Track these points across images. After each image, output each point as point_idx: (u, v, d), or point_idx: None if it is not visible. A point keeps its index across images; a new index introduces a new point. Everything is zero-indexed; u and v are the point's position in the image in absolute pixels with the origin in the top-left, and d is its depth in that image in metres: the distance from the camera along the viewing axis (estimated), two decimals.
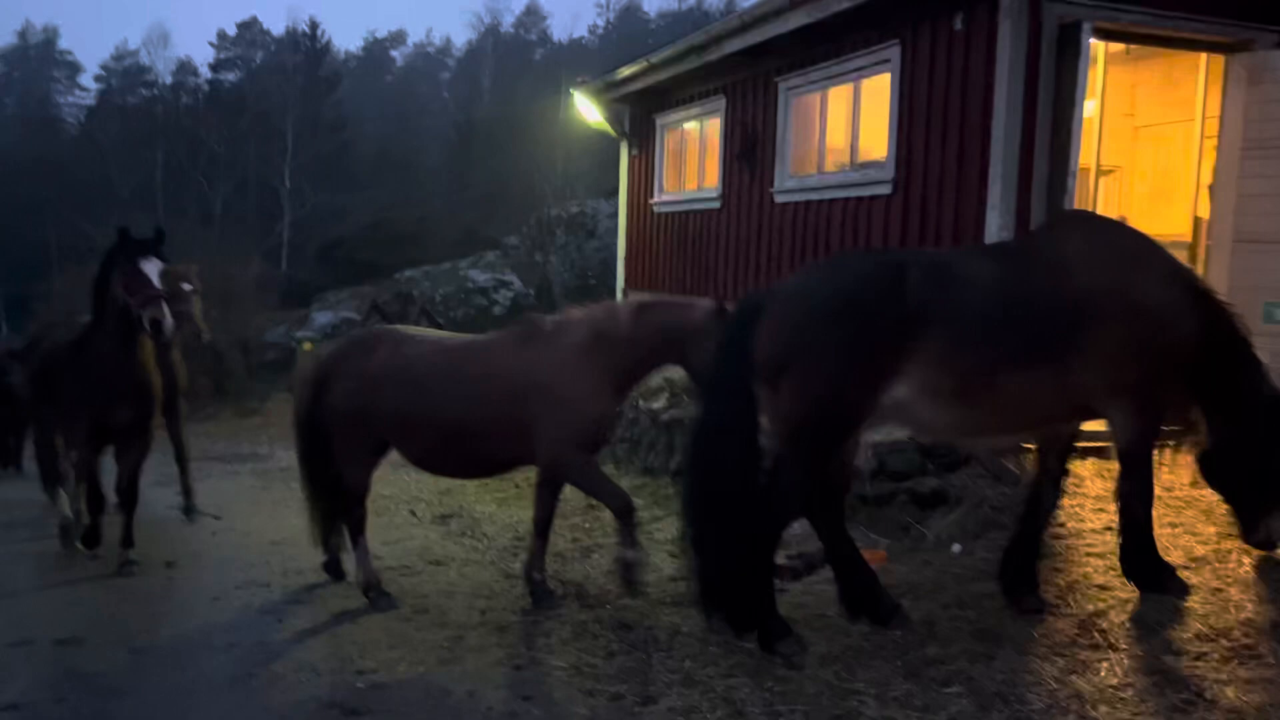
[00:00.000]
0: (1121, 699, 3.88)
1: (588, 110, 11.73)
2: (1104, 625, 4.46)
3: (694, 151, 10.64)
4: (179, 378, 7.66)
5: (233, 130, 43.20)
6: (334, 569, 6.01)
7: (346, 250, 27.35)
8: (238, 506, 7.53)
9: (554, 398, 5.26)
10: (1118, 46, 7.40)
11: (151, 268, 5.84)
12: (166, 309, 5.77)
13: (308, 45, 49.23)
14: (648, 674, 4.43)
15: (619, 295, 11.72)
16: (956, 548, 5.52)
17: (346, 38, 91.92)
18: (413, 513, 7.95)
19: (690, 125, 10.67)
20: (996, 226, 6.28)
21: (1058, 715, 3.81)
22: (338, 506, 5.78)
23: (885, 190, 7.46)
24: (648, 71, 10.30)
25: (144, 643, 4.97)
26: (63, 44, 67.52)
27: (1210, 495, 5.25)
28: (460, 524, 7.56)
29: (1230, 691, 3.83)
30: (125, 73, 59.33)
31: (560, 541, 6.82)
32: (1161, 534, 5.13)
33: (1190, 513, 5.59)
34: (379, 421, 5.52)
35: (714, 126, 10.02)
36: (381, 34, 69.58)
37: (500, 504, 8.16)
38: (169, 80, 54.45)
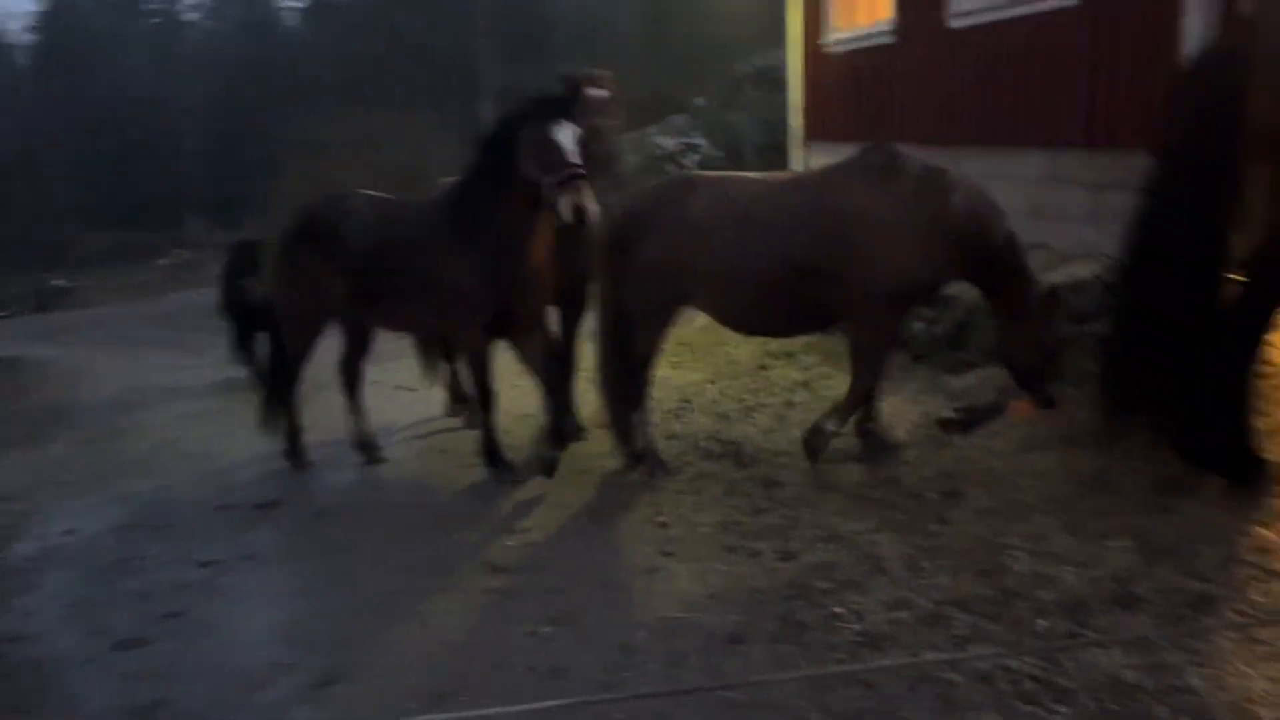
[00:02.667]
0: None
1: None
2: None
3: None
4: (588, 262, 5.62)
5: (430, 14, 44.10)
6: (643, 456, 5.33)
7: None
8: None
9: (900, 243, 4.73)
10: None
11: (566, 136, 4.87)
12: (589, 193, 4.79)
13: None
14: (792, 531, 4.37)
15: (798, 149, 11.23)
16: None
17: None
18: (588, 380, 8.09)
19: None
20: (1196, 29, 5.49)
21: (1235, 569, 3.48)
22: (637, 385, 5.29)
23: (1072, 1, 6.67)
24: None
25: (327, 506, 5.36)
26: None
27: None
28: None
29: None
30: None
31: (725, 402, 6.78)
32: None
33: None
34: (699, 274, 5.02)
35: None
36: None
37: (675, 368, 8.15)
38: None
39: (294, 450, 6.08)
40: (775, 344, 7.86)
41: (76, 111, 51.20)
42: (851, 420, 5.28)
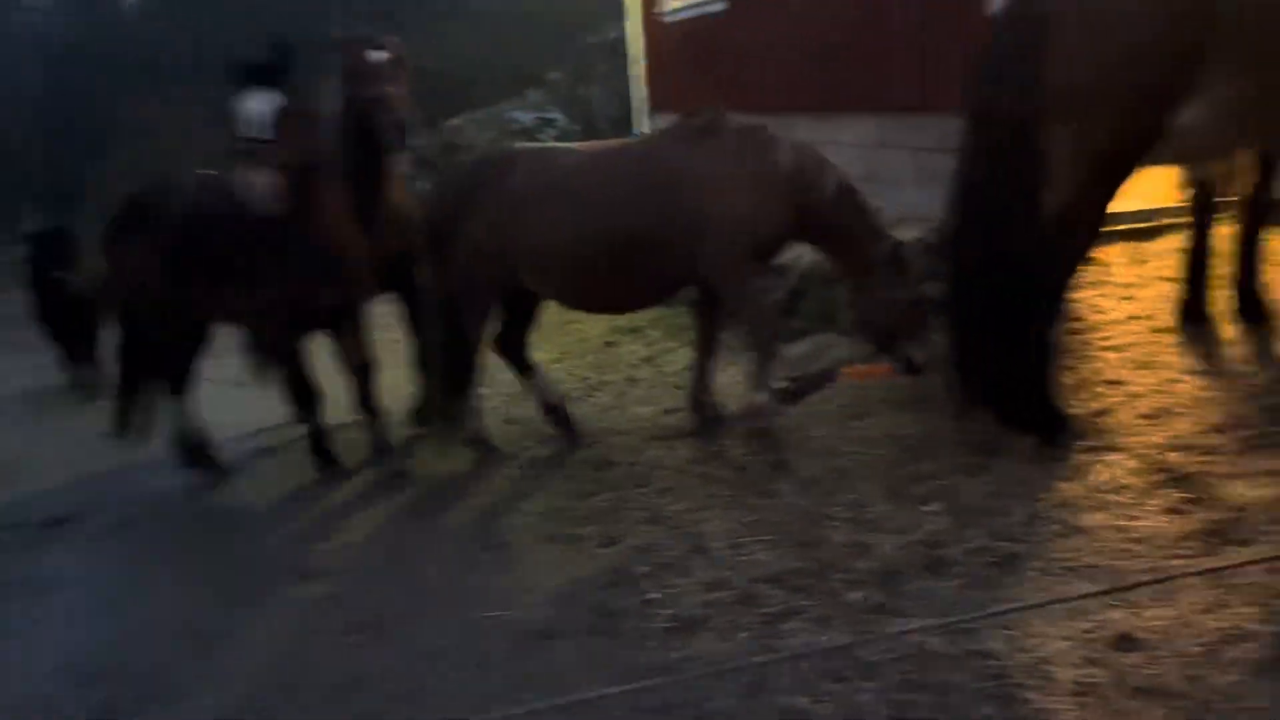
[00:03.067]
0: (1115, 503, 3.54)
1: None
2: (1109, 424, 4.07)
3: None
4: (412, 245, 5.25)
5: None
6: (482, 442, 5.19)
7: None
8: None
9: (730, 200, 4.55)
10: None
11: (250, 106, 4.39)
12: (260, 170, 4.21)
13: None
14: (618, 513, 4.24)
15: (642, 120, 11.13)
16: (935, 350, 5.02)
17: None
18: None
19: None
20: None
21: (1040, 525, 3.49)
22: (467, 375, 5.09)
23: None
24: None
25: (130, 517, 5.00)
26: None
27: None
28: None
29: (1238, 487, 3.45)
30: None
31: (569, 381, 6.62)
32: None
33: None
34: (524, 253, 4.79)
35: None
36: None
37: None
38: None
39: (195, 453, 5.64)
40: (624, 320, 7.72)
41: None
42: (689, 394, 5.19)
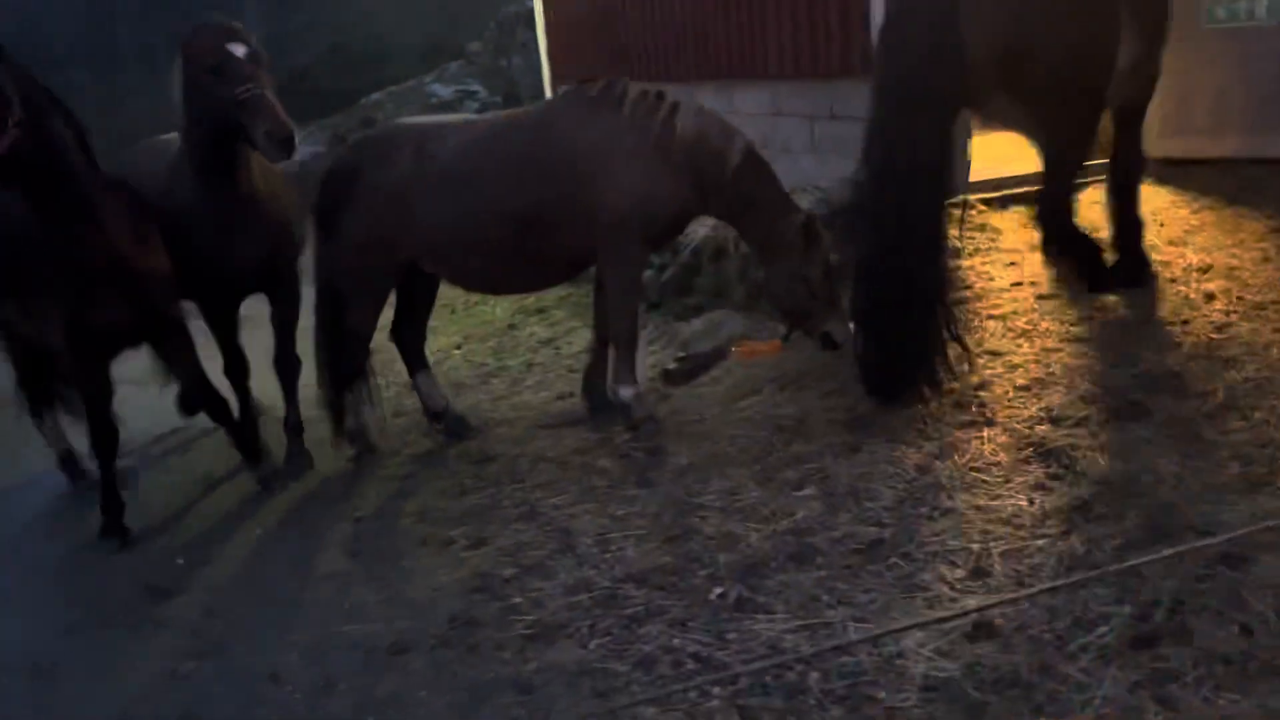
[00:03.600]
0: (983, 481, 3.46)
1: None
2: (984, 397, 4.00)
3: None
4: (292, 230, 5.02)
5: None
6: (362, 439, 5.02)
7: (311, 81, 26.01)
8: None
9: (627, 172, 4.32)
10: None
11: None
12: None
13: None
14: (492, 512, 4.10)
15: (546, 89, 10.89)
16: (850, 326, 4.95)
17: None
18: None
19: None
20: None
21: (910, 508, 3.41)
22: (357, 369, 4.93)
23: None
24: None
25: None
26: None
27: None
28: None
29: (1103, 459, 3.39)
30: None
31: (466, 368, 6.45)
32: None
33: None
34: (413, 242, 4.58)
35: None
36: None
37: (430, 333, 7.74)
38: None
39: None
40: (530, 300, 7.54)
41: None
42: (583, 378, 5.04)
